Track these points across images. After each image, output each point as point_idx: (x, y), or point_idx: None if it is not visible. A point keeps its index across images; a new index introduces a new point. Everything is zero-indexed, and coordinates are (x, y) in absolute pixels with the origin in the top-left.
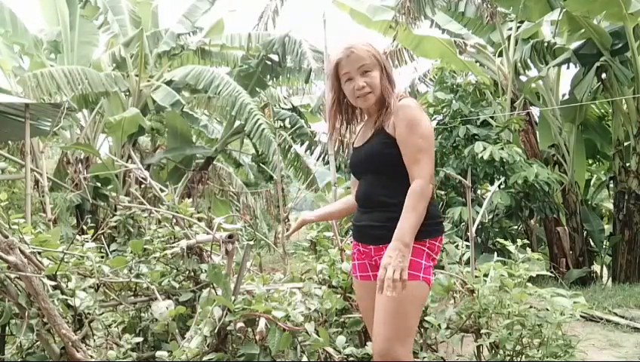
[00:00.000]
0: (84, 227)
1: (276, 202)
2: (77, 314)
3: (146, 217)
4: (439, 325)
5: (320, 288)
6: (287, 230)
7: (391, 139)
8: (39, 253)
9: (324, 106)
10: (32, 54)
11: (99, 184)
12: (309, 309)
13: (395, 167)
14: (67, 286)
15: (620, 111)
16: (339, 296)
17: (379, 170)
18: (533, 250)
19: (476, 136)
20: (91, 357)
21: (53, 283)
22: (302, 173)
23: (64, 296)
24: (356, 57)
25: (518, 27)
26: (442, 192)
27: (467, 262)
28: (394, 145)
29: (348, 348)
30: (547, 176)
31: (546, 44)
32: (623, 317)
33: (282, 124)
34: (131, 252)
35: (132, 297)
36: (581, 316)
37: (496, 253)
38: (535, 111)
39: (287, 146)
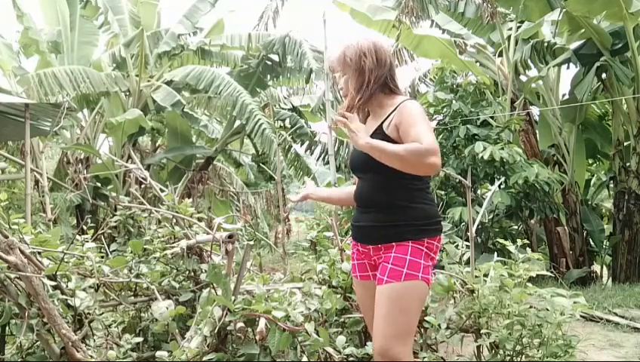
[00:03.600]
0: (84, 227)
1: (276, 202)
2: (77, 314)
3: (146, 217)
4: (439, 325)
5: (320, 288)
6: (288, 231)
7: (393, 140)
8: (39, 253)
9: (324, 106)
10: (44, 52)
11: (99, 184)
12: (309, 309)
13: (394, 169)
14: (67, 286)
15: (620, 111)
16: (339, 296)
17: (378, 170)
18: (533, 250)
19: (476, 136)
20: (91, 357)
21: (53, 283)
22: (302, 173)
23: (64, 296)
24: (332, 65)
25: (518, 27)
26: (442, 192)
27: (467, 262)
28: None
29: (348, 348)
30: (547, 176)
31: (546, 44)
32: (623, 317)
33: (282, 124)
34: (131, 252)
35: (132, 297)
36: (581, 316)
37: (496, 253)
38: (535, 111)
39: (287, 146)
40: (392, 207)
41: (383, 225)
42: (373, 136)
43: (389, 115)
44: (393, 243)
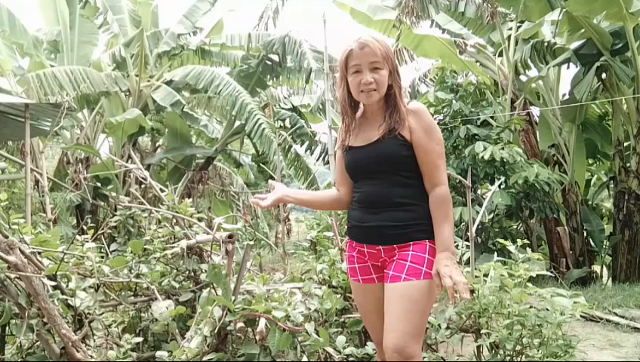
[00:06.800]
0: (84, 227)
1: None
2: (77, 314)
3: (146, 217)
4: (439, 325)
5: (320, 288)
6: (288, 231)
7: (407, 142)
8: (39, 253)
9: (324, 106)
10: (32, 54)
11: (99, 184)
12: (309, 309)
13: (410, 169)
14: (67, 286)
15: (620, 111)
16: (339, 296)
17: (393, 171)
18: (533, 250)
19: (477, 136)
20: (91, 357)
21: (53, 283)
22: (302, 173)
23: (64, 296)
24: (370, 52)
25: (518, 27)
26: None
27: (467, 262)
28: (410, 148)
29: (348, 348)
30: (547, 176)
31: (546, 44)
32: (623, 317)
33: (282, 124)
34: (131, 252)
35: (132, 297)
36: (581, 316)
37: (496, 253)
38: (535, 111)
39: (287, 146)
40: (410, 206)
41: (399, 224)
42: (385, 140)
43: (392, 117)
44: (410, 243)
